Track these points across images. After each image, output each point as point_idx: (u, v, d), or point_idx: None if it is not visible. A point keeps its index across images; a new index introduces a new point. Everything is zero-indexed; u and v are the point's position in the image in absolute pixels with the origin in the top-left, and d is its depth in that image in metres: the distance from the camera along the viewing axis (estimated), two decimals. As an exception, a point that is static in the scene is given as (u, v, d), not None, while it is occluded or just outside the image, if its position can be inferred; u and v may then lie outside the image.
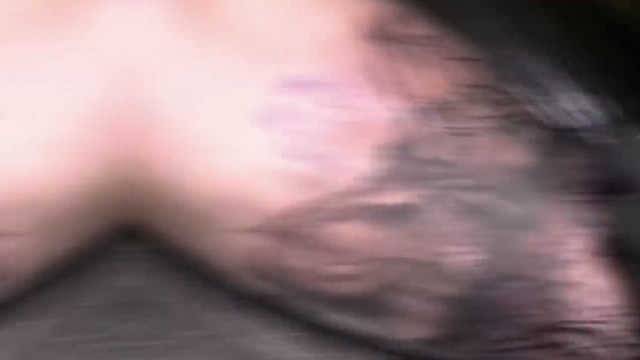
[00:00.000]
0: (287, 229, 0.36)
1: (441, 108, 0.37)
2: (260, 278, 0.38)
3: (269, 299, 0.39)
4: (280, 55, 0.36)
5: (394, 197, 0.36)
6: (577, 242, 0.38)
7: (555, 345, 0.38)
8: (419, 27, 0.39)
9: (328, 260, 0.36)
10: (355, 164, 0.36)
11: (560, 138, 0.40)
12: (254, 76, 0.35)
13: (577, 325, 0.38)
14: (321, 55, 0.36)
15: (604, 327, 0.38)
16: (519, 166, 0.38)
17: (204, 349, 0.40)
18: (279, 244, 0.36)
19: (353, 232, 0.36)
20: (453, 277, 0.37)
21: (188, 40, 0.35)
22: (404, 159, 0.36)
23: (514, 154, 0.38)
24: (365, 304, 0.37)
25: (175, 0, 0.35)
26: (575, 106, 0.46)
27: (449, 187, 0.37)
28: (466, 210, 0.37)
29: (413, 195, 0.36)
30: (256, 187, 0.35)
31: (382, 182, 0.36)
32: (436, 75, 0.38)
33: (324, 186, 0.36)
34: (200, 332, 0.40)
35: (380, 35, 0.38)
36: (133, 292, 0.40)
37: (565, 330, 0.38)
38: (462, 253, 0.36)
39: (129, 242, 0.40)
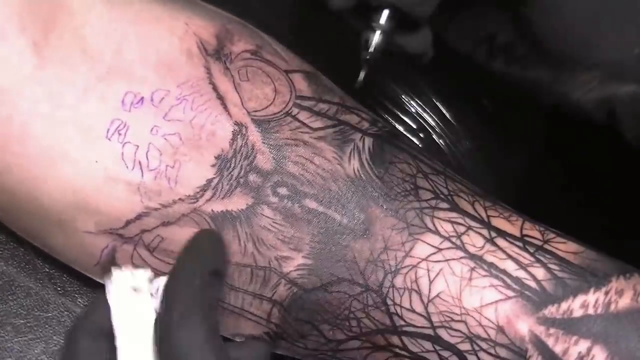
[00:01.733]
0: (133, 233, 0.38)
1: (275, 120, 0.39)
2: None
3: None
4: (128, 74, 0.38)
5: (229, 204, 0.38)
6: (413, 248, 0.39)
7: (390, 348, 0.40)
8: (249, 44, 0.41)
9: (169, 261, 0.38)
10: (196, 174, 0.38)
11: (391, 144, 0.41)
12: (104, 94, 0.38)
13: (411, 329, 0.39)
14: (166, 72, 0.38)
15: (442, 332, 0.39)
16: (350, 174, 0.39)
17: (61, 329, 0.43)
18: (126, 245, 0.38)
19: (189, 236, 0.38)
20: (280, 280, 0.39)
21: (48, 65, 0.38)
22: (240, 169, 0.38)
23: (344, 162, 0.39)
24: None
25: (36, 32, 0.38)
26: (407, 111, 0.46)
27: (278, 195, 0.39)
28: (292, 218, 0.38)
29: (244, 202, 0.38)
30: (105, 194, 0.38)
31: (220, 190, 0.38)
32: (270, 88, 0.40)
33: (167, 194, 0.38)
34: (56, 313, 0.44)
35: (220, 52, 0.39)
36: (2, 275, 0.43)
37: (399, 333, 0.39)
38: (287, 258, 0.39)
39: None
